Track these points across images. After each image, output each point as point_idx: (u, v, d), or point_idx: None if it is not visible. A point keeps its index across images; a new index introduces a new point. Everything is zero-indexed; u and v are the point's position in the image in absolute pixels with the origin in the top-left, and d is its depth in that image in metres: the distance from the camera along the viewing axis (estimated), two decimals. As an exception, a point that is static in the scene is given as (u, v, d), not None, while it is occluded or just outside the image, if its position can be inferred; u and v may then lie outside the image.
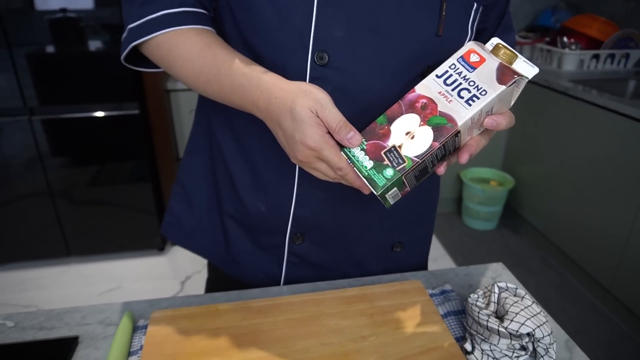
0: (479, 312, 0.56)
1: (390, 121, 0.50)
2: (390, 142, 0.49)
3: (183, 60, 0.58)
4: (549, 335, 0.54)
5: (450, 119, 0.48)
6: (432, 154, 0.49)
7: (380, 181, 0.49)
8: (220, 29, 0.63)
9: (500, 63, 0.50)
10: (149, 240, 2.24)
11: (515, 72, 0.49)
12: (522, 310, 0.56)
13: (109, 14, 1.83)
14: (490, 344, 0.55)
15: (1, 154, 1.96)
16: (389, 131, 0.50)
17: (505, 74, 0.49)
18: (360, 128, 0.51)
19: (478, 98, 0.48)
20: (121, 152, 2.06)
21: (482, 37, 0.70)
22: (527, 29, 2.72)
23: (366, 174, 0.49)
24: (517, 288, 0.60)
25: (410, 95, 0.51)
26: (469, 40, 0.62)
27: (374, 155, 0.49)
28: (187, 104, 2.21)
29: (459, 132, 0.49)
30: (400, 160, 0.49)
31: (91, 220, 2.16)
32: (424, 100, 0.50)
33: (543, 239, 2.31)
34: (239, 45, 0.60)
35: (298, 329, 0.59)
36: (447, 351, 0.56)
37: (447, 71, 0.51)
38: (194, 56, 0.57)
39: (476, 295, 0.61)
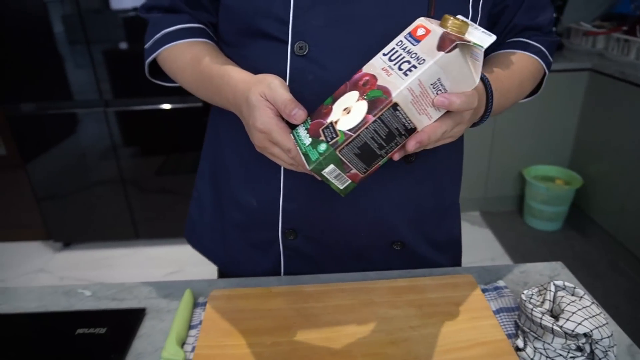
0: (532, 309, 0.55)
1: (335, 100, 0.50)
2: (329, 119, 0.49)
3: (181, 71, 0.66)
4: (608, 337, 0.52)
5: (385, 91, 0.46)
6: (367, 128, 0.46)
7: (313, 155, 0.48)
8: (220, 34, 0.68)
9: (444, 32, 0.47)
10: (209, 227, 2.35)
11: (459, 39, 0.46)
12: (579, 309, 0.54)
13: (177, 12, 1.93)
14: (544, 342, 0.54)
15: (80, 144, 2.13)
16: (331, 109, 0.49)
17: (445, 40, 0.46)
18: None
19: (416, 67, 0.46)
20: (184, 144, 2.17)
21: (503, 17, 0.67)
22: (603, 18, 2.54)
23: (304, 150, 0.49)
24: (575, 287, 0.58)
25: (356, 75, 0.50)
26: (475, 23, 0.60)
27: (314, 132, 0.49)
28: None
29: (396, 105, 0.46)
30: (334, 135, 0.47)
31: (157, 206, 2.30)
32: (367, 77, 0.49)
33: (613, 241, 2.17)
34: (230, 44, 0.66)
35: (347, 315, 0.61)
36: (497, 346, 0.56)
37: (393, 48, 0.49)
38: (186, 66, 0.65)
39: (530, 292, 0.59)
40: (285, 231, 0.70)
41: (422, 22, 0.49)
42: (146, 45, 0.69)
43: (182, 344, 0.58)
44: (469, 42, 0.46)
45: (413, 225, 0.71)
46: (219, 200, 0.77)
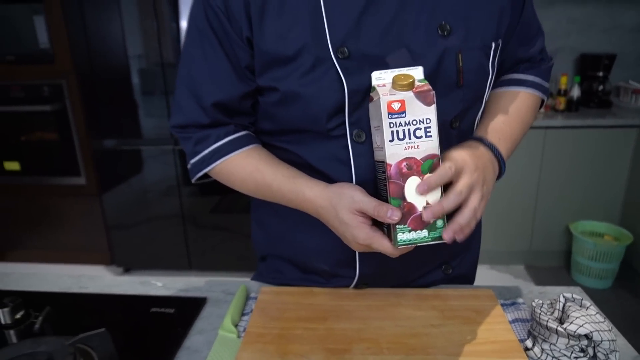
0: (540, 313, 0.62)
1: (402, 197, 0.55)
2: (420, 208, 0.55)
3: (240, 182, 0.70)
4: (609, 340, 0.58)
5: (432, 156, 0.55)
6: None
7: (438, 232, 0.56)
8: (260, 127, 0.72)
9: (412, 92, 0.54)
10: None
11: (427, 87, 0.54)
12: (584, 316, 0.60)
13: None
14: (550, 343, 0.61)
15: (148, 179, 2.37)
16: (411, 204, 0.55)
17: (424, 95, 0.54)
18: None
19: (430, 127, 0.54)
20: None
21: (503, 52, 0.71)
22: (652, 78, 2.56)
23: (430, 239, 0.56)
24: (582, 299, 0.65)
25: (392, 171, 0.55)
26: (491, 78, 0.67)
27: (421, 225, 0.55)
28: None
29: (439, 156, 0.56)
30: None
31: (211, 241, 2.47)
32: (405, 163, 0.55)
33: (668, 303, 2.07)
34: (275, 135, 0.70)
35: (377, 312, 0.70)
36: (508, 345, 0.63)
37: (392, 132, 0.54)
38: (247, 179, 0.68)
39: (541, 302, 0.66)
40: (358, 285, 0.76)
41: (386, 99, 0.54)
42: (192, 160, 0.70)
43: (235, 325, 0.70)
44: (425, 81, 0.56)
45: (461, 250, 0.79)
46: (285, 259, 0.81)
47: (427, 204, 0.55)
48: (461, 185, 0.56)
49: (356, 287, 0.77)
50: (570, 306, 0.63)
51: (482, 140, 0.66)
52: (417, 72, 0.57)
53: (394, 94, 0.54)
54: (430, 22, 0.60)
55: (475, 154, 0.61)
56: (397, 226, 0.55)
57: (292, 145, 0.69)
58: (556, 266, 2.56)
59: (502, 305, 0.74)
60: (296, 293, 0.76)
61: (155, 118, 2.29)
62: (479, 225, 0.85)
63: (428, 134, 0.54)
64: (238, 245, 2.45)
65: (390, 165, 0.55)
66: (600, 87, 2.51)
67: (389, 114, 0.54)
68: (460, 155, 0.59)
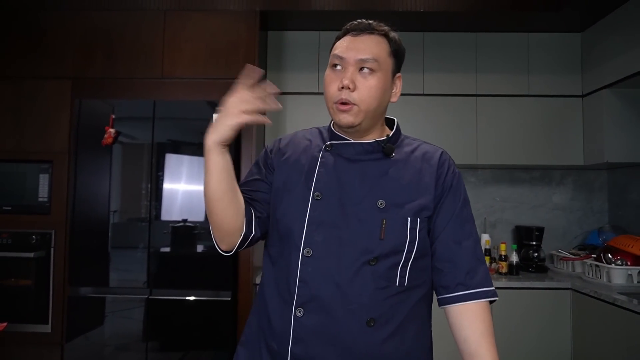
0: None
1: None
2: None
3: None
4: None
5: None
6: None
7: None
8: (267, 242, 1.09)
9: None
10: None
11: None
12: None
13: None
14: None
15: (117, 330, 2.39)
16: None
17: None
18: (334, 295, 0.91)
19: None
20: (206, 339, 2.39)
21: (435, 231, 1.01)
22: (579, 248, 2.96)
23: None
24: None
25: None
26: (410, 241, 0.95)
27: None
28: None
29: None
30: None
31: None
32: None
33: None
34: (270, 246, 1.08)
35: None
36: None
37: None
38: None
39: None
40: None
41: None
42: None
43: None
44: None
45: None
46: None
47: None
48: None
49: None
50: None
51: None
52: None
53: None
54: (372, 200, 0.97)
55: None
56: None
57: (275, 253, 1.06)
58: None
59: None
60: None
61: (131, 272, 2.42)
62: None
63: None
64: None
65: None
66: (535, 254, 2.87)
67: None
68: None
